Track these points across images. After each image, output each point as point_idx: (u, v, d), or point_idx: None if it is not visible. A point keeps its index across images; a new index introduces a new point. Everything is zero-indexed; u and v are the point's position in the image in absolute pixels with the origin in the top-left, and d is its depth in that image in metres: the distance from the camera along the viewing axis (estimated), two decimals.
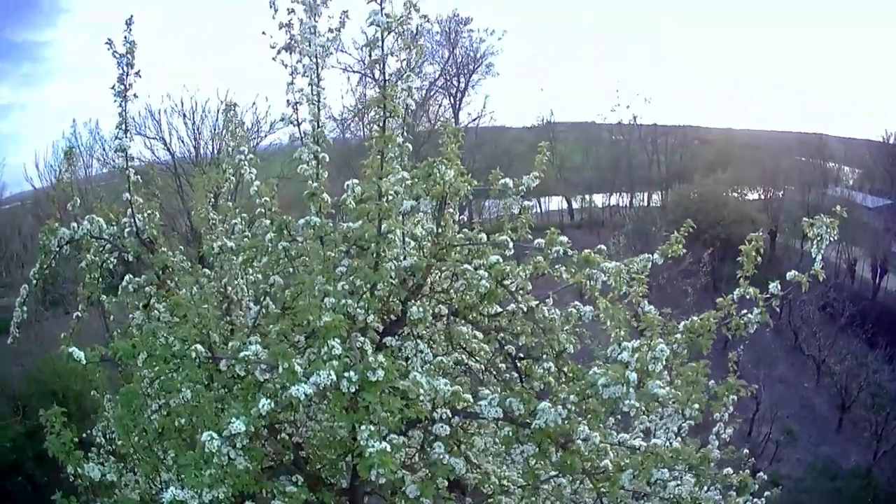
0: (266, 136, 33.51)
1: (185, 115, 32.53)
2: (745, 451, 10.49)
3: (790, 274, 5.92)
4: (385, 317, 6.74)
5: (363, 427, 4.57)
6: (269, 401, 4.67)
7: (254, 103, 33.72)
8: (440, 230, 6.91)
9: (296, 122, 6.79)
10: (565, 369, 6.48)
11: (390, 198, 6.09)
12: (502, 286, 6.46)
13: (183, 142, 32.93)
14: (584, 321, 6.68)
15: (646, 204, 56.47)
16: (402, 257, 6.40)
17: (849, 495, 23.51)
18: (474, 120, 51.75)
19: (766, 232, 44.50)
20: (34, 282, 6.96)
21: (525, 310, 6.52)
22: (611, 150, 57.47)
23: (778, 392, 27.42)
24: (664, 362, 5.09)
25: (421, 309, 6.34)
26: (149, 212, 6.98)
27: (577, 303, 6.72)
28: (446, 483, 5.93)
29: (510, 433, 5.57)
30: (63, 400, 13.24)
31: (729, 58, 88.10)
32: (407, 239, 6.73)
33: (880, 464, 24.89)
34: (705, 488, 6.84)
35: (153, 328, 5.89)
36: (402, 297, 6.55)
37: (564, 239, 6.48)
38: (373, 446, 4.45)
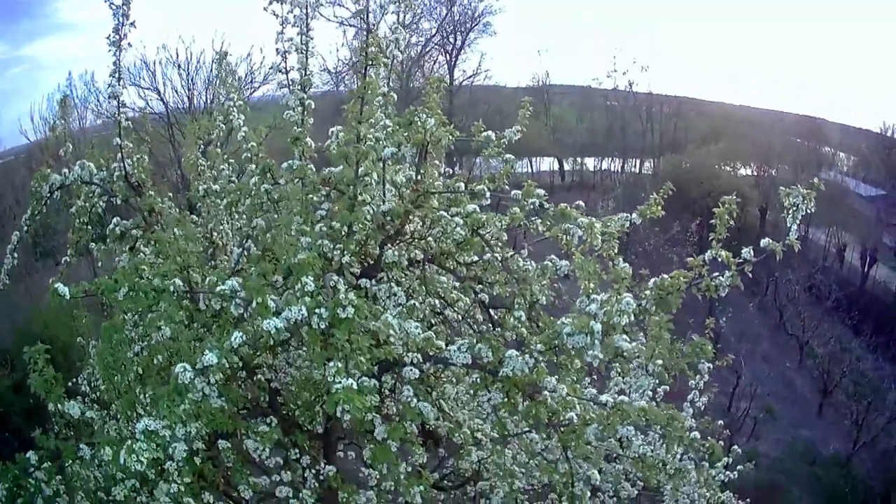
0: (259, 87, 33.63)
1: (179, 66, 32.46)
2: (721, 422, 10.64)
3: (764, 241, 5.91)
4: (363, 261, 6.80)
5: (331, 364, 4.65)
6: (241, 334, 4.75)
7: (248, 54, 33.64)
8: (419, 177, 6.96)
9: (284, 71, 6.80)
10: (539, 323, 6.57)
11: (369, 142, 6.18)
12: (478, 235, 6.55)
13: (177, 92, 32.88)
14: (559, 275, 6.76)
15: (637, 171, 56.55)
16: (380, 202, 6.51)
17: (827, 482, 23.61)
18: (469, 77, 51.93)
19: (757, 208, 44.57)
20: (25, 228, 7.03)
21: (500, 258, 6.62)
22: (605, 115, 56.89)
23: (759, 369, 27.44)
24: (631, 316, 5.19)
25: (396, 252, 6.42)
26: (138, 156, 7.06)
27: (553, 256, 6.74)
28: (417, 431, 6.05)
29: (479, 380, 5.68)
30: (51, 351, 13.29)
31: (730, 44, 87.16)
32: (387, 186, 6.78)
33: (860, 454, 25.02)
34: (677, 455, 6.98)
35: (136, 263, 5.97)
36: (379, 241, 6.61)
37: (541, 191, 6.51)
38: (339, 383, 4.52)
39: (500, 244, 6.80)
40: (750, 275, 6.25)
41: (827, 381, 28.20)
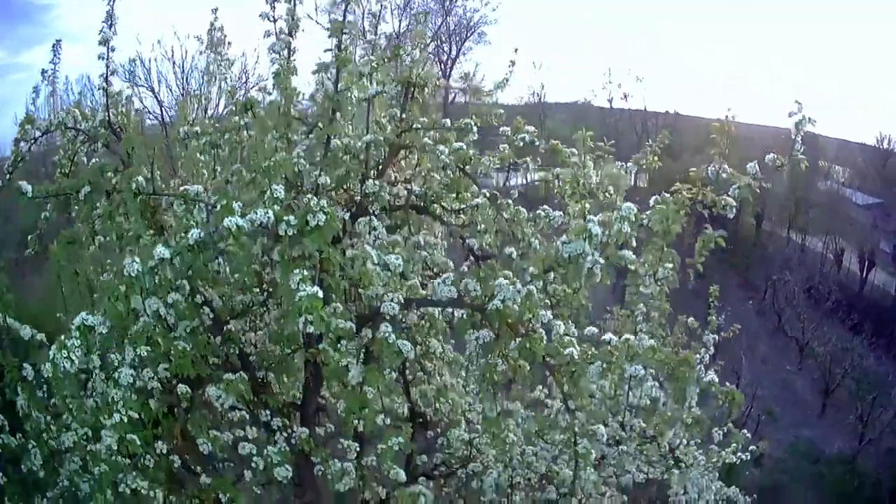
0: (252, 88, 33.23)
1: (174, 63, 32.01)
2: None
3: (769, 157, 5.62)
4: (345, 204, 6.33)
5: (296, 271, 4.10)
6: (199, 231, 4.40)
7: (243, 54, 33.33)
8: (404, 115, 6.51)
9: (272, 19, 6.38)
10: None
11: (345, 79, 5.88)
12: (465, 174, 6.17)
13: (171, 90, 32.33)
14: (553, 226, 6.26)
15: (633, 183, 56.32)
16: (362, 134, 6.20)
17: (832, 480, 23.13)
18: (463, 88, 51.59)
19: (752, 215, 44.34)
20: (7, 176, 6.44)
21: (488, 196, 6.12)
22: (600, 129, 56.99)
23: (758, 371, 26.97)
24: (633, 228, 4.77)
25: (377, 184, 5.96)
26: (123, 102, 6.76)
27: (546, 206, 6.30)
28: (394, 375, 5.51)
29: (465, 316, 5.07)
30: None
31: (725, 54, 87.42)
32: (371, 125, 6.47)
33: (866, 452, 24.60)
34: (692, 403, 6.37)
35: (101, 164, 5.78)
36: (360, 176, 6.16)
37: (531, 128, 6.29)
38: (304, 290, 3.98)
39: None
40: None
41: (829, 379, 27.83)
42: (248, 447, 5.60)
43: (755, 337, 30.19)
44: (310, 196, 5.12)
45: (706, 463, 9.75)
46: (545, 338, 4.92)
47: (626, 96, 53.03)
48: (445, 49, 51.70)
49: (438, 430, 8.88)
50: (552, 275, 5.22)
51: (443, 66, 51.85)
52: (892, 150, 49.72)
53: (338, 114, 5.90)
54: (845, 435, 25.98)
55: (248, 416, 6.13)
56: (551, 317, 5.00)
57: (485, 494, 9.50)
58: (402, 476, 6.43)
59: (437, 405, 8.06)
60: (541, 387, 7.68)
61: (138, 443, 4.60)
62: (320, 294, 3.98)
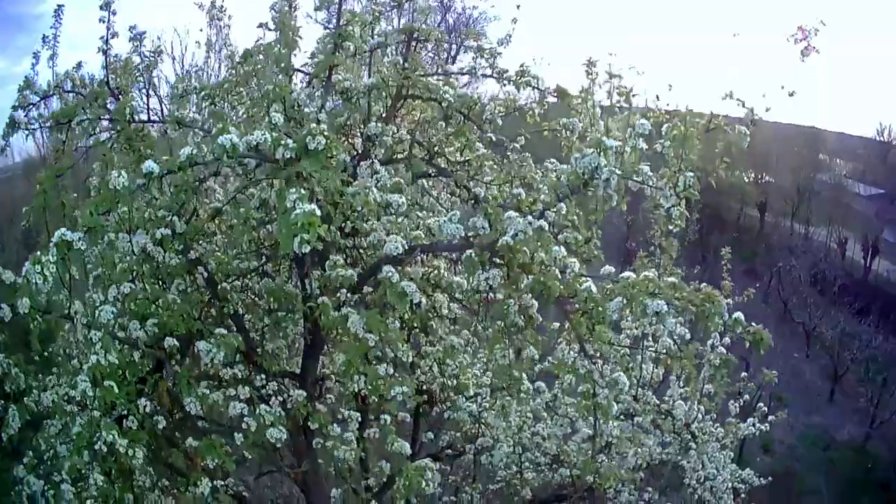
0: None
1: (174, 59, 31.76)
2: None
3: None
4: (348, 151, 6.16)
5: (293, 190, 3.77)
6: (191, 148, 4.25)
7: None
8: (407, 64, 6.27)
9: None
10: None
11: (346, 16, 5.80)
12: (469, 120, 6.00)
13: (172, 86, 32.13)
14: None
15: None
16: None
17: (843, 467, 22.87)
18: (463, 86, 51.38)
19: (755, 205, 44.04)
20: (3, 143, 6.15)
21: (493, 140, 5.82)
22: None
23: (766, 359, 26.42)
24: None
25: (379, 125, 5.74)
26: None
27: (553, 159, 6.25)
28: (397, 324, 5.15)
29: (473, 256, 4.69)
30: None
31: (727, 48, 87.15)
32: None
33: (876, 437, 24.30)
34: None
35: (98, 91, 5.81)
36: (362, 119, 5.98)
37: (536, 72, 6.12)
38: (301, 208, 3.64)
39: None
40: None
41: (837, 363, 27.46)
42: (240, 407, 5.22)
43: (761, 325, 29.67)
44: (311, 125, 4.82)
45: (724, 436, 9.46)
46: (559, 276, 4.58)
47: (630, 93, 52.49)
48: (445, 47, 51.26)
49: (446, 406, 8.56)
50: (564, 208, 4.89)
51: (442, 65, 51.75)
52: (893, 143, 49.82)
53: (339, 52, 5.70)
54: (855, 420, 25.68)
55: (239, 375, 5.71)
56: (565, 253, 4.62)
57: (495, 470, 9.17)
58: (407, 448, 6.07)
59: (444, 379, 7.70)
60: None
61: (116, 391, 4.17)
62: (317, 211, 3.61)
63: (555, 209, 4.90)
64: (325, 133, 4.15)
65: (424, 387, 8.25)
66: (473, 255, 4.66)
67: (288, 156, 4.11)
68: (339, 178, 4.16)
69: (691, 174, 4.83)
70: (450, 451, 9.20)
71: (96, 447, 4.33)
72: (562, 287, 4.48)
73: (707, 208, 35.54)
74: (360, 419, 7.44)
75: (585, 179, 4.47)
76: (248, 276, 6.31)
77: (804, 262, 33.76)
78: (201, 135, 4.92)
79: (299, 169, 4.02)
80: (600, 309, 4.44)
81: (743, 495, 9.76)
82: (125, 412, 4.67)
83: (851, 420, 25.83)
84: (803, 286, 31.33)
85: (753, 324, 5.01)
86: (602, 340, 4.67)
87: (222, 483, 5.32)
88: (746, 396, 10.43)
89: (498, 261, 4.64)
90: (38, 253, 3.73)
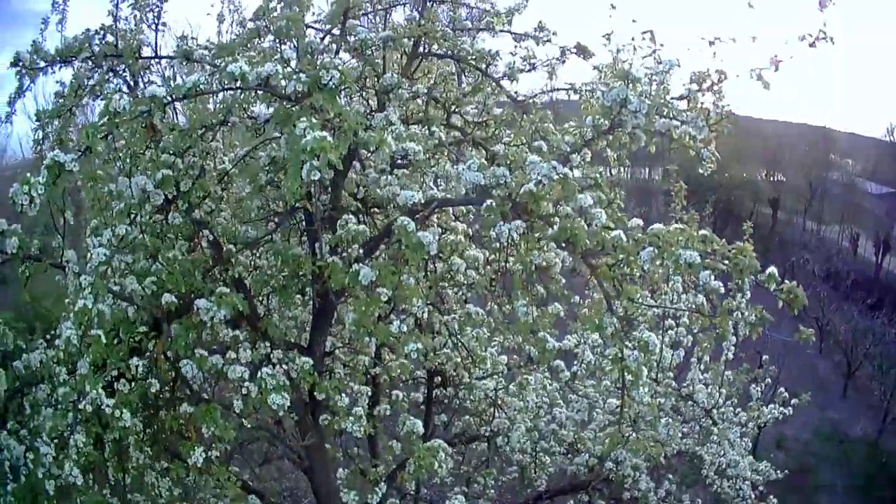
0: None
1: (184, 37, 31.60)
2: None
3: None
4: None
5: (303, 119, 3.47)
6: (198, 76, 4.11)
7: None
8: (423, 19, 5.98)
9: None
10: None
11: None
12: (486, 76, 5.84)
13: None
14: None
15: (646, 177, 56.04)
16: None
17: (857, 463, 22.51)
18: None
19: (768, 202, 43.78)
20: (9, 111, 5.93)
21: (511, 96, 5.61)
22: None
23: (779, 354, 26.24)
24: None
25: (395, 76, 5.48)
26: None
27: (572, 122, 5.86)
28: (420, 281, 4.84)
29: (493, 205, 4.35)
30: None
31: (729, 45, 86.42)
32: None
33: (891, 429, 24.06)
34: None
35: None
36: (377, 74, 5.69)
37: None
38: (311, 134, 3.37)
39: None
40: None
41: (850, 357, 27.15)
42: (240, 370, 4.88)
43: (774, 321, 29.36)
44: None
45: (746, 421, 9.13)
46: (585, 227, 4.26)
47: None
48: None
49: (460, 388, 8.25)
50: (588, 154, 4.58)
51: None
52: None
53: None
54: (868, 416, 25.36)
55: (241, 339, 5.37)
56: (591, 202, 4.29)
57: (509, 458, 8.84)
58: (420, 427, 5.78)
59: (458, 356, 7.39)
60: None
61: (104, 341, 3.83)
62: (329, 137, 3.30)
63: (580, 156, 4.59)
64: (340, 68, 3.84)
65: (437, 367, 7.99)
66: (493, 204, 4.34)
67: (300, 90, 3.81)
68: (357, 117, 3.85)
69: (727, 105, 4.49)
70: (464, 436, 8.86)
71: (81, 406, 4.00)
72: (588, 238, 4.16)
73: (720, 203, 35.28)
74: (370, 395, 7.18)
75: (613, 117, 4.14)
76: (256, 246, 6.02)
77: (817, 257, 33.49)
78: (210, 69, 4.58)
79: (312, 101, 3.71)
80: (631, 258, 4.12)
81: (760, 488, 9.43)
82: (116, 373, 4.35)
83: (865, 415, 25.49)
84: (816, 281, 30.93)
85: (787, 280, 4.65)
86: (629, 296, 4.35)
87: (217, 455, 4.95)
88: (768, 380, 10.11)
89: (520, 214, 4.33)
90: (28, 174, 3.53)
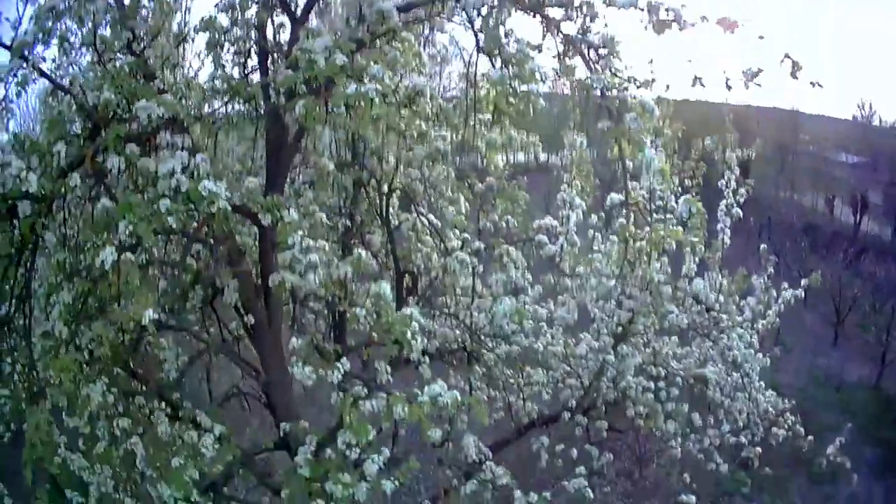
0: None
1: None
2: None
3: None
4: None
5: None
6: None
7: None
8: None
9: None
10: None
11: None
12: None
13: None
14: None
15: None
16: None
17: (857, 407, 22.23)
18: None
19: (738, 165, 43.77)
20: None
21: None
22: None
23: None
24: None
25: None
26: None
27: None
28: None
29: None
30: None
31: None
32: None
33: (888, 374, 24.01)
34: None
35: None
36: None
37: None
38: None
39: None
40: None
41: (839, 306, 26.94)
42: (172, 163, 4.14)
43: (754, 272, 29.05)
44: None
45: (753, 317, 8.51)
46: None
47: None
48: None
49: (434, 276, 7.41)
50: None
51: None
52: (872, 115, 51.03)
53: None
54: (862, 363, 25.11)
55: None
56: None
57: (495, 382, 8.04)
58: (388, 291, 5.00)
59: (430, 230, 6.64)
60: None
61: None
62: None
63: None
64: None
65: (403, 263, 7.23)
66: None
67: None
68: None
69: None
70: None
71: None
72: None
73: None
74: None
75: None
76: None
77: (793, 214, 33.33)
78: None
79: None
80: None
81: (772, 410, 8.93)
82: None
83: (859, 361, 25.28)
84: (795, 233, 30.69)
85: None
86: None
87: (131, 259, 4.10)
88: (770, 270, 9.44)
89: None
90: None
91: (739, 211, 8.24)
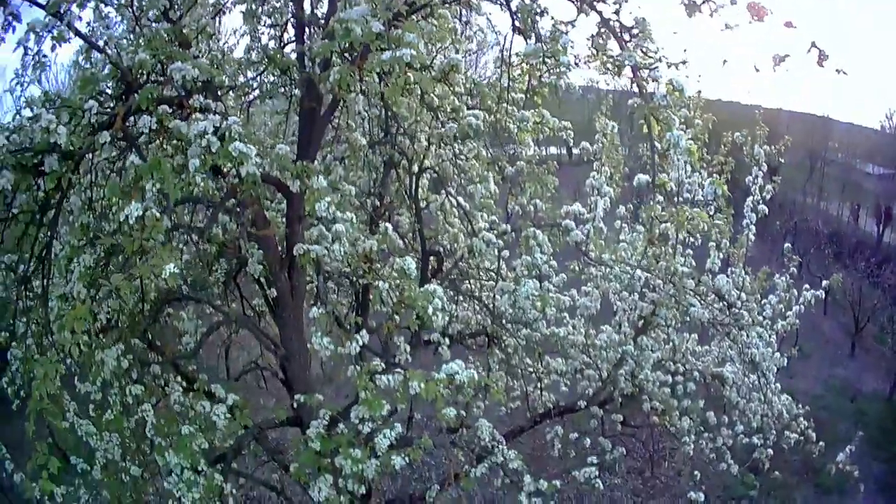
0: None
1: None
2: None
3: None
4: None
5: None
6: None
7: None
8: None
9: None
10: None
11: None
12: None
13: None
14: None
15: None
16: None
17: (873, 417, 21.93)
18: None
19: (768, 167, 43.60)
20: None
21: None
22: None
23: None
24: None
25: None
26: None
27: None
28: None
29: None
30: None
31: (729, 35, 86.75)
32: None
33: None
34: None
35: None
36: None
37: None
38: None
39: None
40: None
41: (858, 316, 26.51)
42: (204, 124, 4.05)
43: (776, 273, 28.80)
44: None
45: (773, 316, 8.44)
46: None
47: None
48: None
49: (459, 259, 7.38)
50: None
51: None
52: None
53: None
54: (879, 374, 24.73)
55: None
56: None
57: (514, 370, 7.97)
58: (413, 267, 4.97)
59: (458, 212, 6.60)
60: None
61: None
62: None
63: None
64: None
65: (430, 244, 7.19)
66: None
67: None
68: None
69: None
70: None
71: None
72: None
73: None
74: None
75: None
76: None
77: (819, 220, 33.01)
78: None
79: None
80: None
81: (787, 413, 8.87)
82: None
83: (875, 373, 24.91)
84: (820, 241, 30.36)
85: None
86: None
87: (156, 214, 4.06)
88: (793, 269, 9.32)
89: None
90: None
91: (765, 208, 8.13)
